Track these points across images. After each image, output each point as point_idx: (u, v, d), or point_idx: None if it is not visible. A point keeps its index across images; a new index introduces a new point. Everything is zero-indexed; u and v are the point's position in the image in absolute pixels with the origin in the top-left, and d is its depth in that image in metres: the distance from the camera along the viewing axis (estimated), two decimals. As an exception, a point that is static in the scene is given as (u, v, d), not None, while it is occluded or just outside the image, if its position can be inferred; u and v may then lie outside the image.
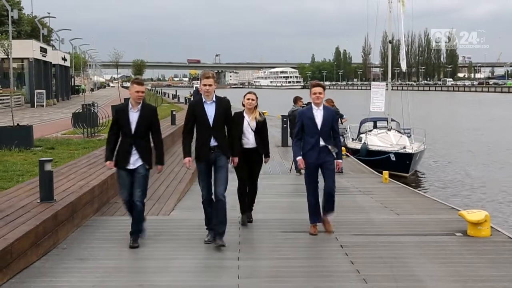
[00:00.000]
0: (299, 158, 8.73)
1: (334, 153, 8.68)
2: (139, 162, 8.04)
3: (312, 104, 8.78)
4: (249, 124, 9.31)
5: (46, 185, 8.67)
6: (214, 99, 8.04)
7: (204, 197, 8.17)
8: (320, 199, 8.88)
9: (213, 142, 8.00)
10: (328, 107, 8.90)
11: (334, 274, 6.91)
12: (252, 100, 9.39)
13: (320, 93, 8.65)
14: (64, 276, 6.77)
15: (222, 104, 8.12)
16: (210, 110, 7.99)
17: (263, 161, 9.59)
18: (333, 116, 8.85)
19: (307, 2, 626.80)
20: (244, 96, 9.53)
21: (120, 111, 8.25)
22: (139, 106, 8.09)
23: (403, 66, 29.09)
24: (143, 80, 8.70)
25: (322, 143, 8.60)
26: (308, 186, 8.79)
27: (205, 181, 8.09)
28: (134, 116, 8.05)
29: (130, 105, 8.13)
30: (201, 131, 8.07)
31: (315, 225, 8.77)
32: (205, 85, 7.98)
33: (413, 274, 6.86)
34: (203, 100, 8.05)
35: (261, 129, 9.41)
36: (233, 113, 8.68)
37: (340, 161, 8.81)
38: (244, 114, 9.41)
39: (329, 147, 8.64)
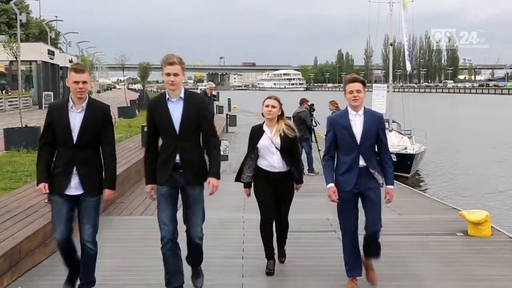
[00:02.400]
0: (330, 186, 6.08)
1: (380, 179, 6.10)
2: (85, 186, 5.60)
3: (348, 108, 6.10)
4: (271, 140, 6.66)
5: (53, 185, 8.68)
6: (182, 95, 5.68)
7: (165, 240, 5.71)
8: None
9: (179, 158, 5.65)
10: (373, 112, 6.29)
11: (336, 273, 6.89)
12: (273, 107, 6.68)
13: (358, 91, 5.94)
14: (71, 275, 6.78)
15: (194, 102, 5.73)
16: (177, 111, 5.64)
17: (295, 188, 6.92)
18: (379, 123, 6.15)
19: (312, 7, 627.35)
20: (263, 103, 6.84)
21: (55, 111, 5.71)
22: (84, 104, 5.58)
23: (408, 67, 29.03)
24: (85, 67, 5.78)
25: (362, 163, 6.02)
26: (343, 224, 6.21)
27: (168, 213, 5.70)
28: (76, 119, 5.56)
29: (70, 103, 5.60)
30: (164, 141, 5.76)
31: (354, 278, 6.27)
32: (168, 74, 5.56)
33: (414, 273, 6.86)
34: (167, 97, 5.69)
35: (289, 147, 6.70)
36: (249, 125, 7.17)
37: (391, 187, 6.10)
38: (264, 127, 6.79)
39: (372, 171, 6.05)
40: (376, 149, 6.14)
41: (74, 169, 5.55)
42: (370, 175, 6.05)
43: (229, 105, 46.67)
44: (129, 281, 6.65)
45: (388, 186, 6.10)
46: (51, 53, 56.42)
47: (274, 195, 6.72)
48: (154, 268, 6.76)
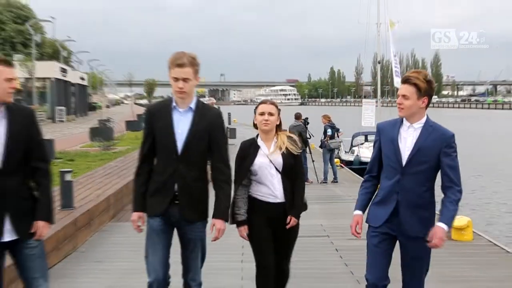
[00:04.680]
0: (355, 214, 4.35)
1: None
2: (22, 226, 3.95)
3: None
4: (269, 159, 4.70)
5: (66, 194, 8.72)
6: (192, 105, 4.21)
7: (154, 286, 4.33)
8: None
9: (177, 187, 4.18)
10: (439, 127, 4.16)
11: (329, 275, 6.92)
12: (270, 114, 4.72)
13: (405, 96, 4.09)
14: (82, 277, 6.80)
15: (208, 116, 4.24)
16: (183, 125, 4.16)
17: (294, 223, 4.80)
18: (443, 144, 4.07)
19: (305, 27, 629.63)
20: (255, 110, 4.84)
21: None
22: (2, 109, 3.89)
23: (397, 83, 29.12)
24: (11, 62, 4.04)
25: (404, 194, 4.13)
26: (366, 274, 4.37)
27: (158, 254, 4.30)
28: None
29: None
30: (161, 161, 4.25)
31: None
32: (175, 79, 4.10)
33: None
34: (173, 105, 4.22)
35: (292, 168, 4.74)
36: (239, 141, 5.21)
37: (442, 226, 4.02)
38: (259, 141, 4.79)
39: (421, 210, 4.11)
40: (441, 182, 4.12)
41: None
42: (416, 216, 4.11)
43: (229, 118, 46.71)
44: (137, 283, 6.65)
45: (437, 224, 4.03)
46: (63, 70, 56.53)
47: (273, 235, 4.82)
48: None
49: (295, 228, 4.87)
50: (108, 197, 10.14)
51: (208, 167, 4.36)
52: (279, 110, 4.85)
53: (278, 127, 4.84)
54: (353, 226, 4.32)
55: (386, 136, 4.23)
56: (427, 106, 4.13)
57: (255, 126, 4.87)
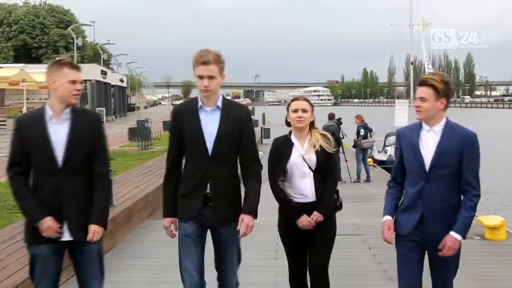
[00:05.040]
0: (385, 219, 4.12)
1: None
2: (78, 228, 3.92)
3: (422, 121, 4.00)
4: (303, 157, 4.50)
5: (106, 192, 8.83)
6: (219, 103, 4.04)
7: None
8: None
9: (210, 188, 4.02)
10: (459, 128, 3.97)
11: (362, 273, 6.87)
12: (304, 111, 4.52)
13: (423, 99, 3.90)
14: (123, 272, 6.88)
15: (236, 114, 4.07)
16: (211, 125, 4.00)
17: (328, 224, 4.59)
18: (465, 144, 3.88)
19: (340, 28, 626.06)
20: (288, 107, 4.65)
21: (24, 127, 3.91)
22: (67, 111, 3.89)
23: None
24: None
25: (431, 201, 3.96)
26: (400, 284, 4.16)
27: (193, 259, 4.10)
28: (59, 133, 3.86)
29: (48, 112, 3.89)
30: (191, 164, 4.08)
31: None
32: (200, 77, 3.92)
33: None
34: (199, 104, 4.04)
35: (326, 166, 4.53)
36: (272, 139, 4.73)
37: (456, 237, 3.86)
38: (293, 139, 4.59)
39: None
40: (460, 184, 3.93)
41: (61, 203, 3.91)
42: (443, 221, 3.90)
43: (264, 119, 46.64)
44: (175, 278, 6.70)
45: (450, 233, 3.86)
46: (103, 73, 57.27)
47: (306, 237, 4.56)
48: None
49: (332, 227, 4.63)
50: (146, 195, 10.24)
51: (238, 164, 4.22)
52: (312, 106, 4.64)
53: (312, 124, 4.61)
54: (385, 232, 4.08)
55: (406, 142, 4.05)
56: (445, 107, 3.94)
57: (288, 124, 4.66)
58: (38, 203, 3.87)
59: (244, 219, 4.01)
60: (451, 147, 3.87)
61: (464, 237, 3.91)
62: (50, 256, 3.92)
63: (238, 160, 4.16)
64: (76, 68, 3.94)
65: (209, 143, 3.98)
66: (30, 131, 3.87)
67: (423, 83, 3.93)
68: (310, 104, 4.61)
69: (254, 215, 4.06)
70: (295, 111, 4.53)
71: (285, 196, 4.55)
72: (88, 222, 3.93)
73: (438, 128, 3.93)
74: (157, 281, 6.56)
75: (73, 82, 3.87)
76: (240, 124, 4.05)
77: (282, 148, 4.56)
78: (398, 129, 4.35)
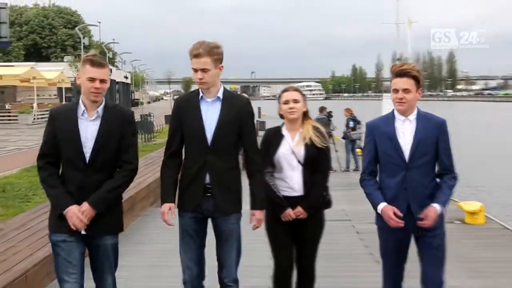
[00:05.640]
0: (383, 206, 3.75)
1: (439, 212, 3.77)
2: (102, 225, 3.76)
3: (395, 111, 3.86)
4: (292, 150, 4.17)
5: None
6: (220, 94, 3.85)
7: (188, 286, 3.99)
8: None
9: (209, 178, 3.81)
10: (431, 116, 3.85)
11: (350, 256, 6.88)
12: (295, 101, 4.17)
13: (406, 90, 3.71)
14: (127, 257, 6.80)
15: (236, 105, 3.87)
16: (211, 115, 3.80)
17: (316, 220, 4.29)
18: (439, 131, 3.79)
19: (329, 27, 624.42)
20: (279, 98, 4.32)
21: (57, 119, 3.72)
22: (99, 109, 3.69)
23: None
24: (104, 60, 3.78)
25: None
26: (386, 273, 3.98)
27: (193, 252, 3.93)
28: (89, 129, 3.66)
29: (81, 107, 3.70)
30: (191, 153, 3.89)
31: None
32: (195, 70, 3.75)
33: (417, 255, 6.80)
34: (200, 95, 3.86)
35: (316, 161, 4.18)
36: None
37: (435, 207, 3.76)
38: (284, 131, 4.28)
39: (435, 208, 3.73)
40: (438, 168, 3.83)
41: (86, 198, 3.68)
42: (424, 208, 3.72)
43: (259, 112, 46.54)
44: (178, 262, 6.70)
45: (432, 204, 3.72)
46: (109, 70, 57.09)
47: (293, 231, 4.23)
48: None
49: (320, 222, 4.30)
50: (149, 184, 10.22)
51: (240, 156, 3.98)
52: (304, 96, 4.26)
53: (305, 115, 4.26)
54: (392, 216, 3.68)
55: (381, 134, 3.81)
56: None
57: (281, 116, 4.31)
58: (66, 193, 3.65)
59: (256, 215, 3.91)
60: (427, 135, 3.73)
61: (442, 211, 3.79)
62: (71, 242, 3.66)
63: (240, 152, 3.97)
64: (96, 65, 3.62)
65: (209, 133, 3.78)
66: (61, 123, 3.67)
67: (405, 74, 3.72)
68: (302, 94, 4.26)
69: (264, 208, 3.96)
70: (286, 102, 4.20)
71: (269, 191, 4.15)
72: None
73: (413, 118, 3.78)
74: (159, 265, 6.56)
75: (92, 79, 3.59)
76: (240, 115, 3.85)
77: (272, 139, 4.25)
78: (368, 121, 4.03)
